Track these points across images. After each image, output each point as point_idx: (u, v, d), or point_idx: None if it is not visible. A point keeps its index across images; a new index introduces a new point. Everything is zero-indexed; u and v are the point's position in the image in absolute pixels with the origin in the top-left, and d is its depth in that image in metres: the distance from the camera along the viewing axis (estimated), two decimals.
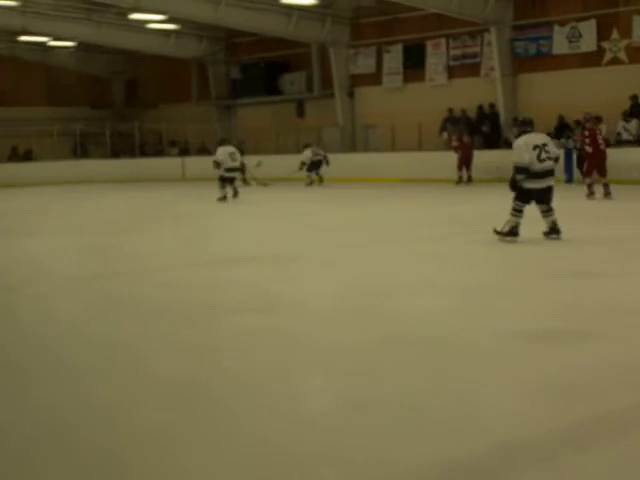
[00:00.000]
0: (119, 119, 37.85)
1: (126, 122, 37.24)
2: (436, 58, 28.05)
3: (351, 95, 30.71)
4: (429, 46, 28.22)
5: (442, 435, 4.52)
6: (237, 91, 34.26)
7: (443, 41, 27.83)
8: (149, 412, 5.05)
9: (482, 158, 24.47)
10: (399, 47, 28.91)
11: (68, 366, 6.14)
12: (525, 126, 11.92)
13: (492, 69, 26.42)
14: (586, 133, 18.35)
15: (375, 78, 29.80)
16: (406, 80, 28.93)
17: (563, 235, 11.55)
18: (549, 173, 11.56)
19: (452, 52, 27.70)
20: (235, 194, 20.76)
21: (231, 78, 34.81)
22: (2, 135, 33.15)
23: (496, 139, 26.16)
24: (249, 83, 33.45)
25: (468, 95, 26.82)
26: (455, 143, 24.70)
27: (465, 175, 24.49)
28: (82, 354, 6.46)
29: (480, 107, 26.80)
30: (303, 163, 26.56)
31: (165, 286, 9.34)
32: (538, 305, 7.77)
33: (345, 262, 10.86)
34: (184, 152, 34.28)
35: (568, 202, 16.69)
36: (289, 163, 28.63)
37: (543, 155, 11.42)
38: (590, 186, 17.83)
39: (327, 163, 26.64)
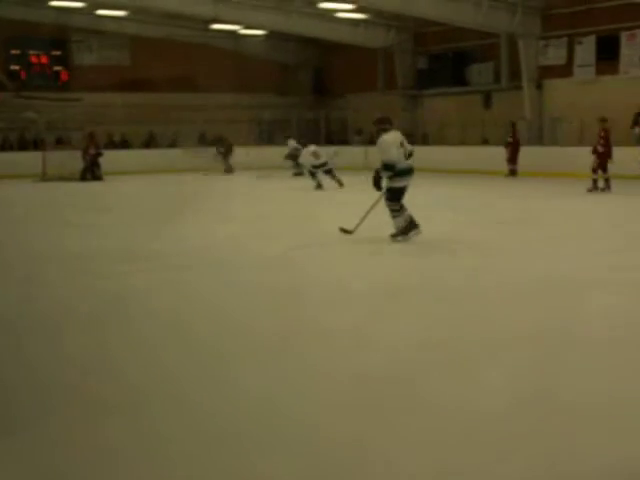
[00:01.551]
0: (306, 107, 38.32)
1: (313, 110, 37.64)
2: (631, 50, 26.98)
3: (539, 87, 29.97)
4: (623, 37, 27.16)
5: (615, 439, 4.39)
6: (423, 81, 34.07)
7: (639, 32, 26.76)
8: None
9: None
10: (592, 38, 27.97)
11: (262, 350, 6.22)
12: (384, 123, 11.99)
13: None
14: (602, 134, 20.13)
15: (565, 70, 28.95)
16: (598, 72, 27.99)
17: None
18: (412, 171, 11.84)
19: None
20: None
21: (418, 68, 34.64)
22: (193, 120, 34.13)
23: None
24: (436, 73, 33.22)
25: None
26: None
27: None
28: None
29: None
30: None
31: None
32: None
33: (531, 255, 10.71)
34: (370, 142, 34.21)
35: None
36: (474, 155, 28.31)
37: (406, 153, 11.69)
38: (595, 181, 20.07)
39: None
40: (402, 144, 11.76)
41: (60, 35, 34.88)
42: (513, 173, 26.55)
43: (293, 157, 27.67)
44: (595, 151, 20.14)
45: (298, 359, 6.01)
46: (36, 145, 31.79)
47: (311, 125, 37.81)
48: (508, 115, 30.03)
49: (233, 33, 36.19)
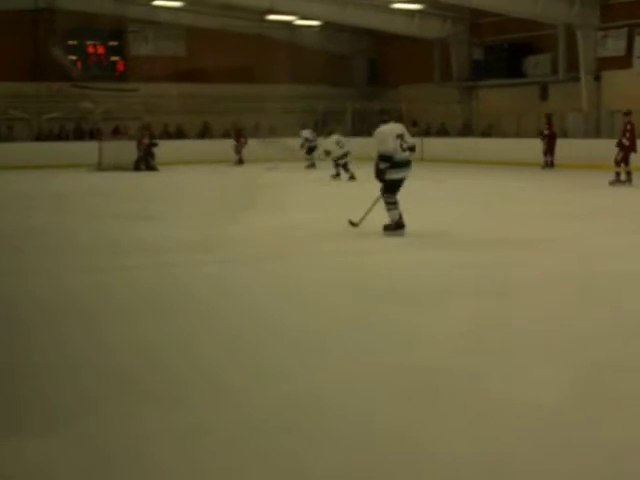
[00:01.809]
0: (361, 98, 38.21)
1: (368, 101, 37.52)
2: None
3: (598, 79, 29.52)
4: None
5: None
6: (479, 73, 33.79)
7: None
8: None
9: None
10: None
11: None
12: (383, 115, 12.37)
13: None
14: (628, 127, 20.22)
15: (624, 61, 28.49)
16: None
17: None
18: (409, 163, 11.72)
19: None
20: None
21: (473, 59, 34.37)
22: (248, 110, 34.18)
23: None
24: (491, 65, 32.93)
25: None
26: None
27: None
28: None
29: None
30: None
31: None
32: None
33: (588, 251, 10.59)
34: (425, 133, 34.04)
35: None
36: (529, 147, 27.98)
37: (404, 145, 11.51)
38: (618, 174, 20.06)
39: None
40: (401, 136, 11.66)
41: (117, 26, 35.17)
42: (550, 165, 26.69)
43: (307, 149, 27.73)
44: (620, 144, 20.16)
45: (340, 352, 5.96)
46: (92, 135, 32.10)
47: (365, 116, 37.69)
48: (565, 107, 29.72)
49: (288, 24, 36.20)
